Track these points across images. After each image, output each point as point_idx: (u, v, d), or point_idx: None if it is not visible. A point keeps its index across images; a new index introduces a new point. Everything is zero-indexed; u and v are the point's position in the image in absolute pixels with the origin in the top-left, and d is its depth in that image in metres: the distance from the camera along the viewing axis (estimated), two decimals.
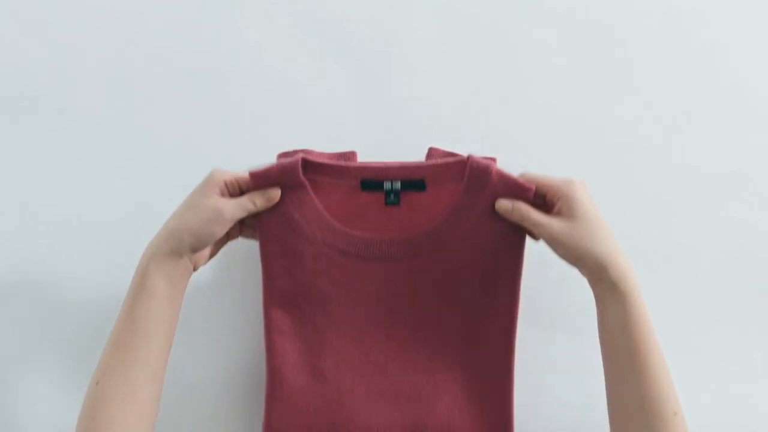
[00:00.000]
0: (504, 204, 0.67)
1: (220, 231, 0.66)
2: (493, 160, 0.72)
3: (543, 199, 0.67)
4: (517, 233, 0.68)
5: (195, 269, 0.68)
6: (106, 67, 0.85)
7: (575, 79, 0.84)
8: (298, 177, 0.68)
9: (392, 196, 0.69)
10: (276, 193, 0.68)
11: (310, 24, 0.86)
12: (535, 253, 0.72)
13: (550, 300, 0.78)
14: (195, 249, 0.66)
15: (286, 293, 0.69)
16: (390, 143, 0.82)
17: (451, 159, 0.69)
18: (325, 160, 0.70)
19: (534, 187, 0.66)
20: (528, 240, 0.70)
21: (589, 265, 0.64)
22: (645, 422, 0.61)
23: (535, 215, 0.65)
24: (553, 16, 0.85)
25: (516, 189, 0.66)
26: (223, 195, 0.67)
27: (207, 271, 0.77)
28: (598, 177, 0.81)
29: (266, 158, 0.79)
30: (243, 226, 0.71)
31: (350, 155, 0.76)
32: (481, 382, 0.69)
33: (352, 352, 0.69)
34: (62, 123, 0.83)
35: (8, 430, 0.76)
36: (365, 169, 0.69)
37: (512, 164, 0.72)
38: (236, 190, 0.68)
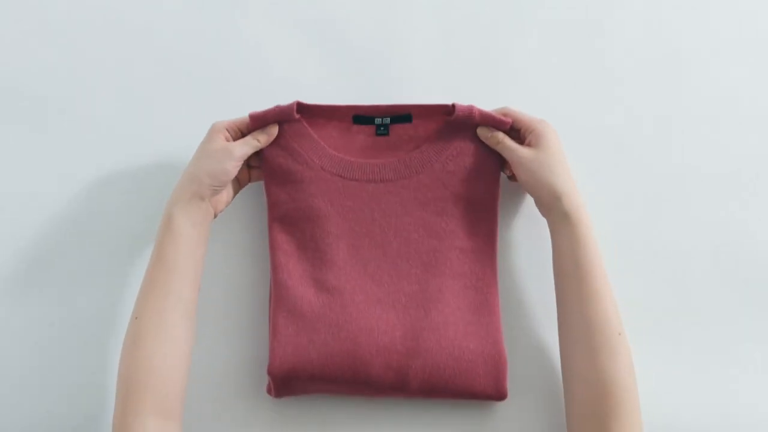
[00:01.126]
0: (484, 130, 0.75)
1: (233, 169, 0.73)
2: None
3: (518, 133, 0.75)
4: (495, 159, 0.76)
5: (216, 215, 0.75)
6: (108, 68, 0.85)
7: (574, 80, 0.84)
8: (293, 115, 0.75)
9: (382, 128, 0.77)
10: (275, 129, 0.75)
11: (310, 24, 0.86)
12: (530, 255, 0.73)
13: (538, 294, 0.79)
14: (214, 190, 0.72)
15: (289, 216, 0.76)
16: None
17: (435, 104, 0.77)
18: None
19: (511, 121, 0.75)
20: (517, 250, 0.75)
21: (545, 193, 0.72)
22: (591, 342, 0.67)
23: (508, 141, 0.74)
24: (553, 18, 0.86)
25: (495, 122, 0.75)
26: (227, 140, 0.74)
27: (214, 268, 0.77)
28: (597, 177, 0.82)
29: None
30: (251, 170, 0.77)
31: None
32: (469, 291, 0.74)
33: (350, 266, 0.75)
34: (62, 123, 0.83)
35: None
36: (357, 107, 0.77)
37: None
38: (238, 133, 0.75)
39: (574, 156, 0.76)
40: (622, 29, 0.86)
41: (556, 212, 0.72)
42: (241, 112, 0.81)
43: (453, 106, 0.75)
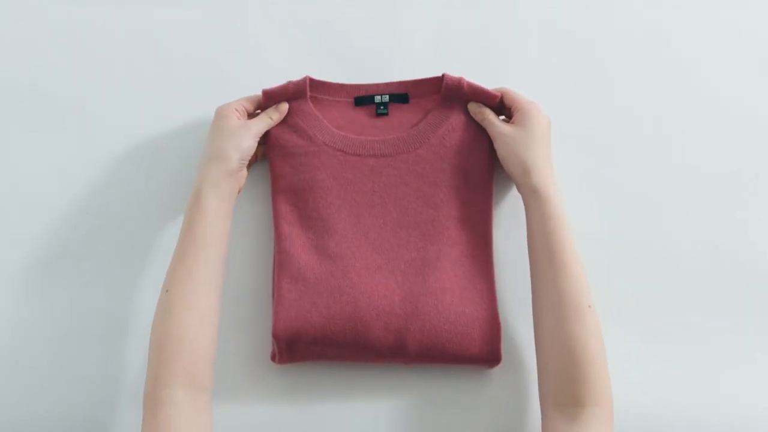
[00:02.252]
0: (474, 106, 0.79)
1: (253, 144, 0.76)
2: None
3: (509, 111, 0.78)
4: (487, 134, 0.79)
5: (239, 190, 0.77)
6: (107, 68, 0.85)
7: (573, 80, 0.85)
8: (305, 92, 0.79)
9: (382, 107, 0.81)
10: (285, 107, 0.79)
11: (310, 24, 0.86)
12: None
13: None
14: (241, 164, 0.76)
15: (293, 188, 0.79)
16: None
17: (428, 77, 0.80)
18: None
19: (500, 96, 0.78)
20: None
21: (517, 168, 0.74)
22: (562, 313, 0.69)
23: (493, 117, 0.78)
24: (553, 18, 0.86)
25: (484, 96, 0.79)
26: (239, 119, 0.77)
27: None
28: (597, 177, 0.82)
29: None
30: (259, 147, 0.79)
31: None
32: (466, 258, 0.77)
33: (351, 235, 0.77)
34: (63, 122, 0.84)
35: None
36: (359, 87, 0.81)
37: None
38: (245, 113, 0.78)
39: (574, 157, 0.77)
40: (622, 29, 0.86)
41: (526, 187, 0.74)
42: None
43: (443, 75, 0.78)
